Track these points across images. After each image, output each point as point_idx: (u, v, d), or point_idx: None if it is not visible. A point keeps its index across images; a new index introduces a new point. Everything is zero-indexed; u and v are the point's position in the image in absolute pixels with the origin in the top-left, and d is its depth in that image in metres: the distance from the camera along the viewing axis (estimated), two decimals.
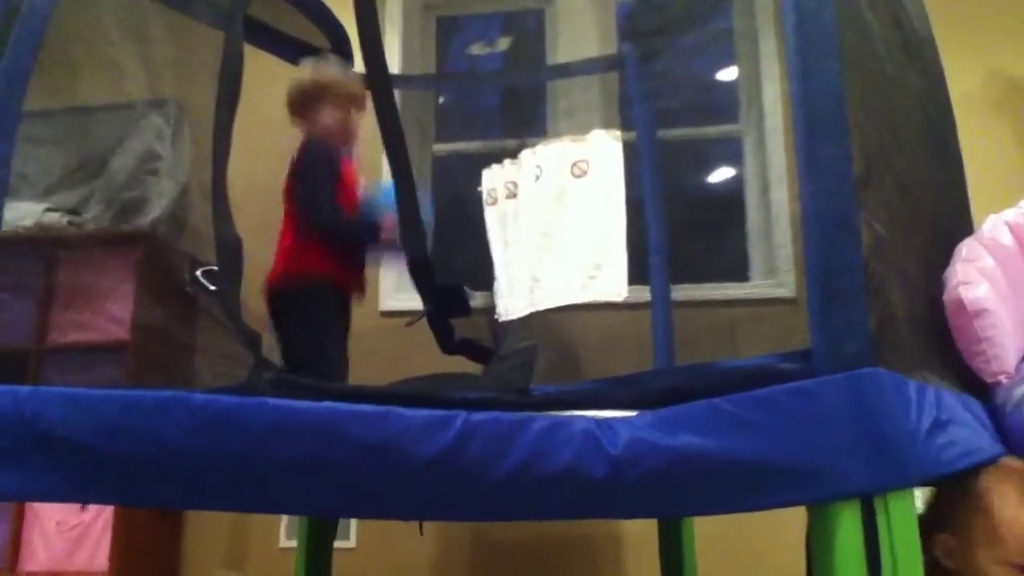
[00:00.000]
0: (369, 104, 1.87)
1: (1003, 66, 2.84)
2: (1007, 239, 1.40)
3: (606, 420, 1.07)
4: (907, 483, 1.01)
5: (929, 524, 1.17)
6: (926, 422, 1.05)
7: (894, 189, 1.39)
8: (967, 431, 1.18)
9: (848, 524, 0.97)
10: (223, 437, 1.05)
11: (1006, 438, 1.29)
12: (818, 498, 1.00)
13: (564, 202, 2.22)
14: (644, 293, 2.28)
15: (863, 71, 1.28)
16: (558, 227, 2.22)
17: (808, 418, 1.00)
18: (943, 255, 1.42)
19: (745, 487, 1.01)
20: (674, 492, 1.03)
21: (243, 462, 1.05)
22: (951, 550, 1.17)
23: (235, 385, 1.42)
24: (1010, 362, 1.33)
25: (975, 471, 1.17)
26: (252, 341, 1.48)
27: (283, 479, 1.06)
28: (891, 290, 1.33)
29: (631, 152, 2.32)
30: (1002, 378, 1.31)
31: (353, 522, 2.59)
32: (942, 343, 1.35)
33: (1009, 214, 1.42)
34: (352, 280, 1.90)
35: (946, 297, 1.35)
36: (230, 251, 1.52)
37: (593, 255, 2.17)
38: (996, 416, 1.31)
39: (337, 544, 2.24)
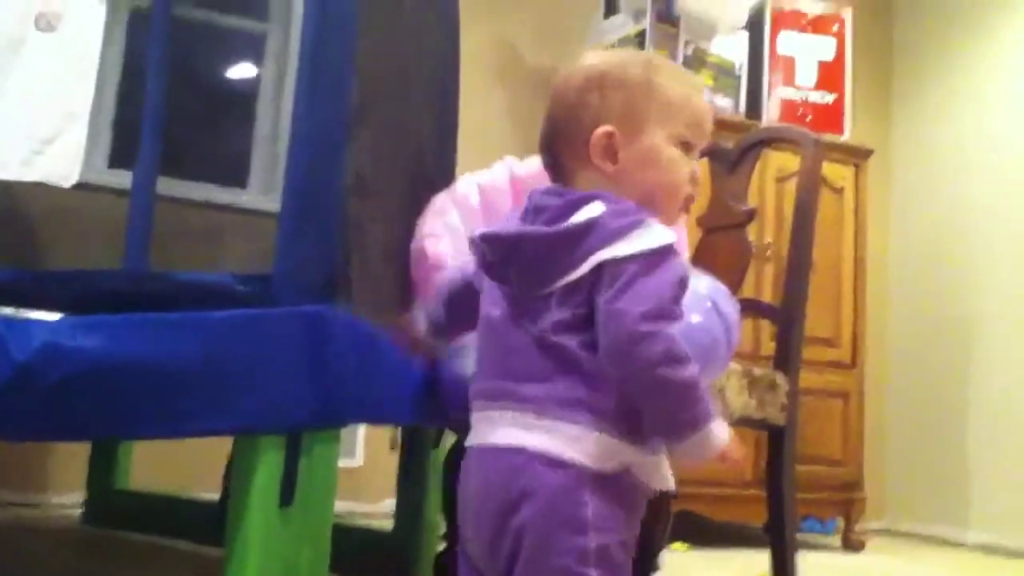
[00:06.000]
0: None
1: (506, 34, 3.09)
2: (475, 199, 1.45)
3: (21, 320, 0.91)
4: (336, 425, 1.01)
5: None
6: (374, 369, 1.06)
7: (387, 130, 1.41)
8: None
9: (271, 459, 0.95)
10: None
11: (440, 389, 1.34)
12: (246, 429, 0.95)
13: (20, 57, 1.86)
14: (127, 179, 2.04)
15: (379, 3, 1.26)
16: (6, 86, 1.85)
17: (248, 348, 0.94)
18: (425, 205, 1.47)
19: (172, 412, 0.92)
20: (94, 410, 0.91)
21: None
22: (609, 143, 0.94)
23: None
24: None
25: None
26: None
27: None
28: (369, 230, 1.34)
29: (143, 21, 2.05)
30: None
31: None
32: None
33: (482, 176, 1.50)
34: None
35: (414, 245, 1.40)
36: None
37: (44, 128, 1.85)
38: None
39: None
